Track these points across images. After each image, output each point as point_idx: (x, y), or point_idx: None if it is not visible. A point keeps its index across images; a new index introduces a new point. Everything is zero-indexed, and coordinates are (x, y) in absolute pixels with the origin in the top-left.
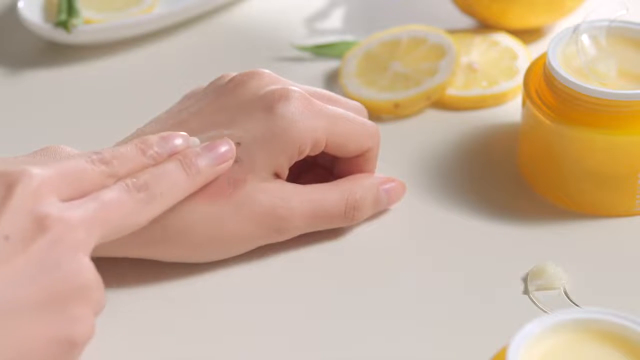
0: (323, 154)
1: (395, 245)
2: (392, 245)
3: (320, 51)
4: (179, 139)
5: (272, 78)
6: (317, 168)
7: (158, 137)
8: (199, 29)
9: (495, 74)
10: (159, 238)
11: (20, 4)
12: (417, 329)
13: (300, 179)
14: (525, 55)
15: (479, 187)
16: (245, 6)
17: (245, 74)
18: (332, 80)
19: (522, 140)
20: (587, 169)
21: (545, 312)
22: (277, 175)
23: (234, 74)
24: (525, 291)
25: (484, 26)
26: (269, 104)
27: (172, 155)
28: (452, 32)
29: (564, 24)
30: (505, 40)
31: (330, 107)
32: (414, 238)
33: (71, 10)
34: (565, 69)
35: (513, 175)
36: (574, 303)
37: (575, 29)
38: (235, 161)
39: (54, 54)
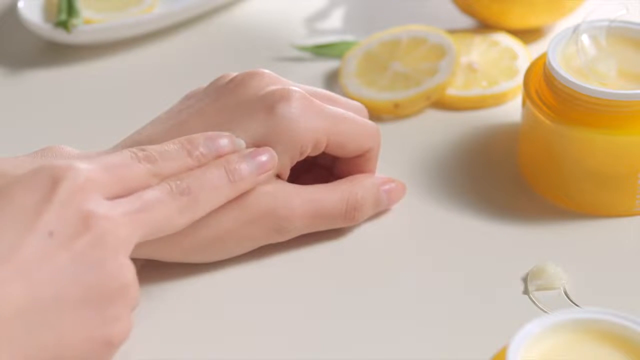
0: (323, 154)
1: (395, 245)
2: (392, 245)
3: (320, 51)
4: (225, 140)
5: (273, 78)
6: (317, 168)
7: (204, 138)
8: (199, 29)
9: (495, 74)
10: (160, 239)
11: (20, 4)
12: (417, 329)
13: (300, 179)
14: (525, 55)
15: (479, 187)
16: (245, 6)
17: (246, 74)
18: (332, 80)
19: (522, 140)
20: (587, 169)
21: (545, 312)
22: (277, 176)
23: (234, 74)
24: (525, 291)
25: (484, 26)
26: (269, 104)
27: (218, 156)
28: (452, 32)
29: (564, 24)
30: (505, 40)
31: (330, 107)
32: (414, 238)
33: (71, 10)
34: (565, 69)
35: (513, 175)
36: (574, 303)
37: (575, 29)
38: None
39: (54, 54)
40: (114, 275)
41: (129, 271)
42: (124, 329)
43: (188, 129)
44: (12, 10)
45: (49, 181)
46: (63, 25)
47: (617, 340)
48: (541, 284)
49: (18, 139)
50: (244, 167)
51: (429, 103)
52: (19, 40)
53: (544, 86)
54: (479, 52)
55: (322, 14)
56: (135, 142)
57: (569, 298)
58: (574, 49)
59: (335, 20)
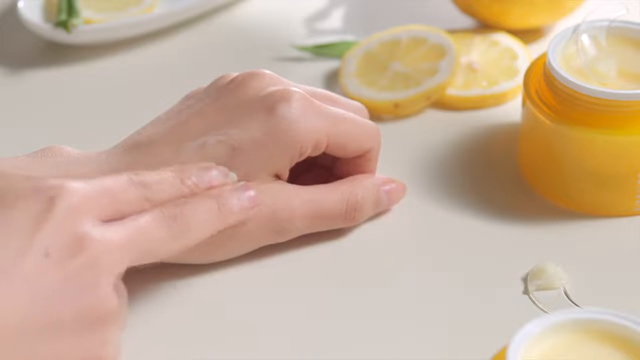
0: (323, 154)
1: (395, 245)
2: (392, 245)
3: (320, 51)
4: (216, 172)
5: (273, 78)
6: (317, 168)
7: (197, 168)
8: (199, 29)
9: (495, 74)
10: None
11: (20, 4)
12: (417, 329)
13: (299, 179)
14: (525, 55)
15: (479, 187)
16: (245, 6)
17: (246, 75)
18: (332, 80)
19: (522, 140)
20: (587, 169)
21: (545, 312)
22: (277, 176)
23: (234, 74)
24: (525, 291)
25: (484, 26)
26: (270, 105)
27: (209, 187)
28: (452, 32)
29: (564, 24)
30: (505, 40)
31: (331, 107)
32: (414, 238)
33: (71, 10)
34: (565, 69)
35: (513, 175)
36: (574, 303)
37: (575, 29)
38: (236, 162)
39: (54, 54)
40: (106, 298)
41: (121, 295)
42: (114, 351)
43: (188, 129)
44: (12, 10)
45: (45, 199)
46: (63, 25)
47: (617, 340)
48: (541, 284)
49: (18, 139)
50: (235, 202)
51: (429, 103)
52: (19, 40)
53: (544, 86)
54: (479, 52)
55: (322, 14)
56: (135, 142)
57: (569, 298)
58: (574, 49)
59: (335, 20)
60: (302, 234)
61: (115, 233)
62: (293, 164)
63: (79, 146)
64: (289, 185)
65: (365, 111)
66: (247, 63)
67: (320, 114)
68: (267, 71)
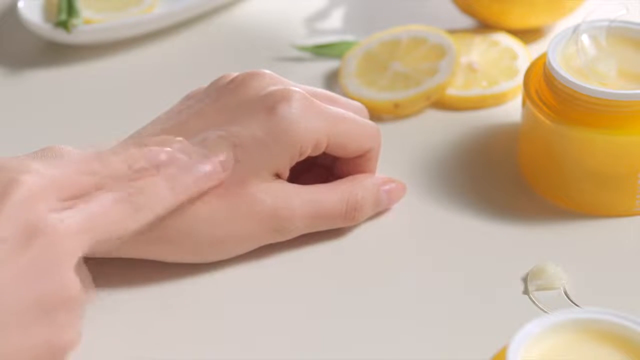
0: (323, 153)
1: (395, 245)
2: (392, 245)
3: (320, 51)
4: (164, 155)
5: (273, 78)
6: (317, 168)
7: (142, 153)
8: (199, 29)
9: (495, 74)
10: (159, 239)
11: (20, 4)
12: (417, 329)
13: (299, 179)
14: (525, 55)
15: (479, 187)
16: (245, 6)
17: (246, 75)
18: (332, 80)
19: (522, 140)
20: (587, 169)
21: (545, 312)
22: (277, 176)
23: (234, 74)
24: (525, 291)
25: (484, 26)
26: (270, 104)
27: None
28: (452, 32)
29: (564, 24)
30: (505, 40)
31: (331, 107)
32: (414, 238)
33: (71, 10)
34: (565, 69)
35: (513, 175)
36: (574, 303)
37: (575, 29)
38: (237, 161)
39: (54, 54)
40: (67, 283)
41: (77, 279)
42: (74, 335)
43: (188, 129)
44: (12, 10)
45: (1, 187)
46: (63, 25)
47: (617, 340)
48: (541, 284)
49: (18, 139)
50: (187, 177)
51: (429, 103)
52: (19, 40)
53: (544, 86)
54: (479, 52)
55: (322, 14)
56: (135, 142)
57: (569, 298)
58: (574, 49)
59: (335, 20)
60: (302, 234)
61: (67, 218)
62: (293, 163)
63: (79, 146)
64: (289, 184)
65: (365, 111)
66: (247, 63)
67: (320, 114)
68: (267, 71)
